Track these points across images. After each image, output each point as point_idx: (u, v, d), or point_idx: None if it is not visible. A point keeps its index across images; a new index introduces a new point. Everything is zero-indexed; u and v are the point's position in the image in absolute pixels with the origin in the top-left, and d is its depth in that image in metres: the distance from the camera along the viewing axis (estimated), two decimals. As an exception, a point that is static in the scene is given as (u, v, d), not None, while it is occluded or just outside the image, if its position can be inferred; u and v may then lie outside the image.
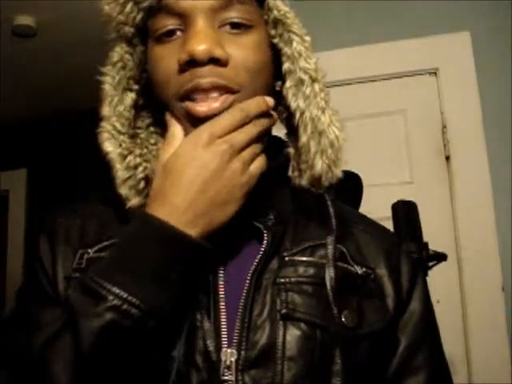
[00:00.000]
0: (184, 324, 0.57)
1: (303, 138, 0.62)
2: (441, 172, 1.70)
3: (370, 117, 1.77)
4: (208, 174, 0.56)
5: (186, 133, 0.61)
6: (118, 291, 0.52)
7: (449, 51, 1.73)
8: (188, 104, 0.59)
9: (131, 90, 0.66)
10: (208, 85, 0.58)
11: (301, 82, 0.63)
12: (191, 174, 0.56)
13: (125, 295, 0.52)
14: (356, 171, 1.31)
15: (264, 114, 0.61)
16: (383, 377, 0.63)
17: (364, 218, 0.76)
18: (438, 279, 1.43)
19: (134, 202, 0.62)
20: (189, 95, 0.59)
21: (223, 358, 0.56)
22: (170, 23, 0.61)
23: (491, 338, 1.54)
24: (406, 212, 1.25)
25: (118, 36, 0.65)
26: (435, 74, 1.74)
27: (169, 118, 0.63)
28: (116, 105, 0.64)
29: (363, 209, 1.32)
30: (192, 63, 0.58)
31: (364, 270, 0.65)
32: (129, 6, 0.63)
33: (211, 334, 0.57)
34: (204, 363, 0.56)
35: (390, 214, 1.27)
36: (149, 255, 0.55)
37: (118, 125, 0.64)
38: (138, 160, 0.64)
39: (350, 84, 1.80)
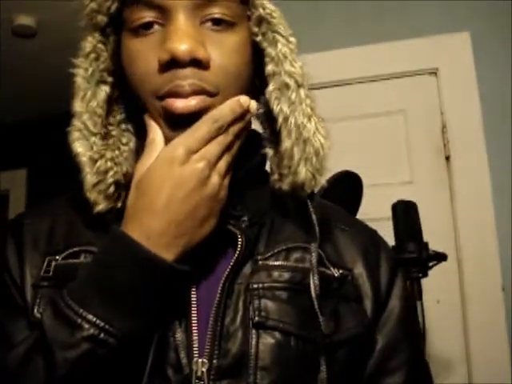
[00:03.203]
0: (154, 339, 0.55)
1: (286, 143, 0.60)
2: (441, 172, 1.70)
3: (370, 117, 1.77)
4: (186, 193, 0.54)
5: (163, 133, 0.58)
6: (94, 319, 0.50)
7: (449, 51, 1.73)
8: (166, 100, 0.56)
9: (105, 82, 0.62)
10: (188, 88, 0.55)
11: (285, 86, 0.60)
12: (168, 193, 0.54)
13: (101, 324, 0.50)
14: (356, 171, 1.32)
15: (238, 118, 0.57)
16: (363, 379, 0.62)
17: (347, 216, 0.74)
18: (437, 279, 1.43)
19: (101, 206, 0.60)
20: (167, 95, 0.56)
21: (194, 368, 0.55)
22: (148, 15, 0.57)
23: (491, 338, 1.54)
24: (405, 212, 1.26)
25: (90, 24, 0.61)
26: (435, 74, 1.74)
27: (148, 121, 0.59)
28: (89, 100, 0.60)
29: (363, 209, 1.32)
30: (173, 63, 0.55)
31: (341, 272, 0.63)
32: None
33: (183, 344, 0.55)
34: (175, 375, 0.54)
35: (389, 213, 1.27)
36: (126, 281, 0.52)
37: (89, 123, 0.60)
38: (109, 164, 0.60)
39: (350, 84, 1.80)
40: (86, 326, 0.50)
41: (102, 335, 0.50)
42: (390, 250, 0.71)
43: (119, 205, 0.61)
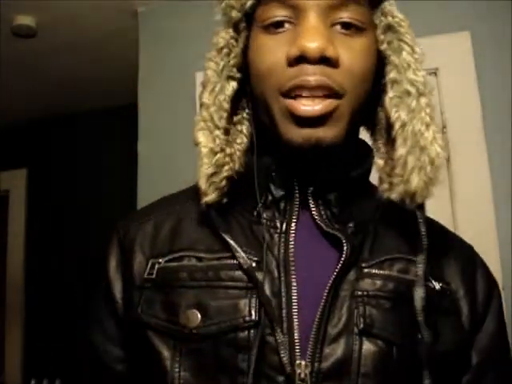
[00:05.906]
0: (256, 339, 0.55)
1: (401, 151, 0.60)
2: (441, 172, 1.70)
3: (370, 117, 1.77)
4: None
5: (286, 128, 0.58)
6: None
7: (449, 51, 1.73)
8: (291, 102, 0.57)
9: (234, 78, 0.63)
10: (315, 83, 0.56)
11: (407, 93, 0.61)
12: None
13: None
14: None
15: None
16: None
17: (444, 230, 0.73)
18: (437, 279, 1.43)
19: (210, 197, 0.61)
20: (292, 92, 0.57)
21: (297, 371, 0.55)
22: (281, 14, 0.59)
23: (491, 338, 1.54)
24: (405, 212, 1.25)
25: (224, 19, 0.63)
26: (435, 74, 1.74)
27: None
28: (217, 93, 0.62)
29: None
30: (302, 59, 0.56)
31: (441, 285, 0.63)
32: None
33: (285, 346, 0.55)
34: (277, 376, 0.55)
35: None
36: None
37: (216, 117, 0.62)
38: (227, 159, 0.62)
39: (350, 84, 1.80)
40: None
41: None
42: (486, 267, 0.71)
43: (225, 200, 0.62)
